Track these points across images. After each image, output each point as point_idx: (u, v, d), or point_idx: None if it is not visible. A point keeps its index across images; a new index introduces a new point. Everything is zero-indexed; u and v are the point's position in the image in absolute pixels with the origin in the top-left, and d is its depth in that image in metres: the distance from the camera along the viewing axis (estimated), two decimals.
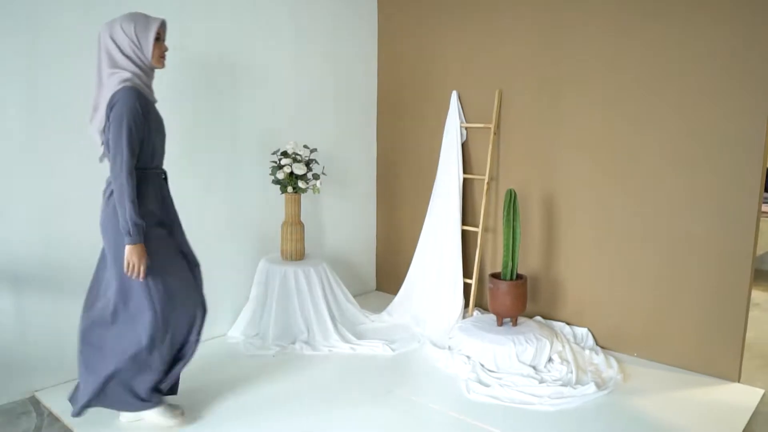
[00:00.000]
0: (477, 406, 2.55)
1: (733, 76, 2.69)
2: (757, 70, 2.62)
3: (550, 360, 2.94)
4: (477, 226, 3.58)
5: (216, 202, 3.26)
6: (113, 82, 2.13)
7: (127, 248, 2.12)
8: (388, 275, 4.23)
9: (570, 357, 2.94)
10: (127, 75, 2.14)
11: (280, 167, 3.19)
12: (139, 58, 2.18)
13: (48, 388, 2.67)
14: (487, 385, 2.71)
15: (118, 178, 2.09)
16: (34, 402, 2.58)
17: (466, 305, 3.56)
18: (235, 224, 3.36)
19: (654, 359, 3.05)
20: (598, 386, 2.70)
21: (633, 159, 3.02)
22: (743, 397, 2.68)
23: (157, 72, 2.93)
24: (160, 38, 2.23)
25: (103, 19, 2.70)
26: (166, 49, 2.27)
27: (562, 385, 2.70)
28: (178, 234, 2.40)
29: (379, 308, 3.75)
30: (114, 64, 2.15)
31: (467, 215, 3.70)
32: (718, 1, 2.69)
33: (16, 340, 2.60)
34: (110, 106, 2.10)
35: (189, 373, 2.84)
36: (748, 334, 2.84)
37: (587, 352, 3.07)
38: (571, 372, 2.82)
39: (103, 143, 2.19)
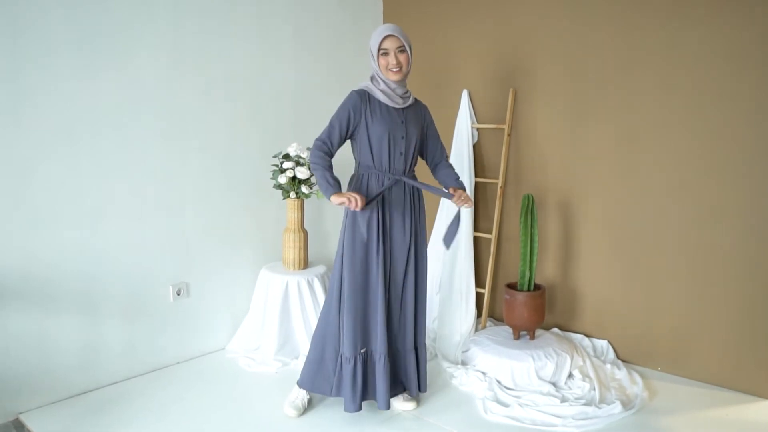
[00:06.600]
0: (496, 428, 2.38)
1: (764, 75, 2.52)
2: None
3: (570, 376, 2.76)
4: (490, 233, 3.40)
5: (214, 207, 3.08)
6: None
7: None
8: None
9: (591, 372, 2.76)
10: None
11: (282, 171, 3.02)
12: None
13: (33, 410, 2.49)
14: (506, 405, 2.53)
15: None
16: (18, 425, 2.40)
17: (479, 316, 3.38)
18: (234, 231, 3.18)
19: (680, 374, 2.87)
20: (624, 405, 2.52)
21: (657, 163, 2.84)
22: None
23: (151, 73, 2.78)
24: (384, 51, 2.28)
25: (88, 17, 2.53)
26: (396, 63, 2.29)
27: (585, 404, 2.52)
28: None
29: None
30: None
31: (479, 221, 3.52)
32: None
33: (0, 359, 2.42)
34: None
35: (183, 392, 2.67)
36: None
37: (608, 366, 2.89)
38: (594, 389, 2.64)
39: None
